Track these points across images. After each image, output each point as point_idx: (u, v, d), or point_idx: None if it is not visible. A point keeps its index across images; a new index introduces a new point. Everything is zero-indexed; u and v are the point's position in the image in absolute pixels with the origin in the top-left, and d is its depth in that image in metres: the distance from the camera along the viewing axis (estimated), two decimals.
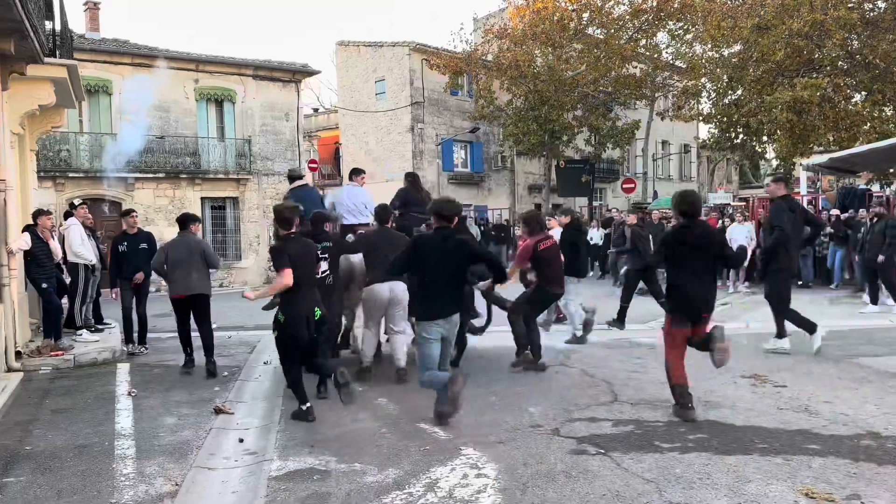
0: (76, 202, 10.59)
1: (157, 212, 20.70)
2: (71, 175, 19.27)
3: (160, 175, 20.83)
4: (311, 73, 24.29)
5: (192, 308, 7.64)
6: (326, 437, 5.31)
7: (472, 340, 9.16)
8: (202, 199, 21.62)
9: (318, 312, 5.73)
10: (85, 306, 9.85)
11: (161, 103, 20.34)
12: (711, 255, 5.54)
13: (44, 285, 8.61)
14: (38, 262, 8.64)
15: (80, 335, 9.39)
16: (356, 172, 9.20)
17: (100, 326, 10.11)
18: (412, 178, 9.34)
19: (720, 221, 16.21)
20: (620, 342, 8.98)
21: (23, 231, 8.77)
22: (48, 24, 9.21)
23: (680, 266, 5.50)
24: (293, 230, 5.87)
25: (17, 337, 8.27)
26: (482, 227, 24.57)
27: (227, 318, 11.24)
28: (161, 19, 62.10)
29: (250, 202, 22.46)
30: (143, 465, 4.84)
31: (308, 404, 5.76)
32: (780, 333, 8.00)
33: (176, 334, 7.99)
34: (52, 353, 8.36)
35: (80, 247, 9.46)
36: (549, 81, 25.91)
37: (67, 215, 9.90)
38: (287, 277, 5.52)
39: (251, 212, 22.43)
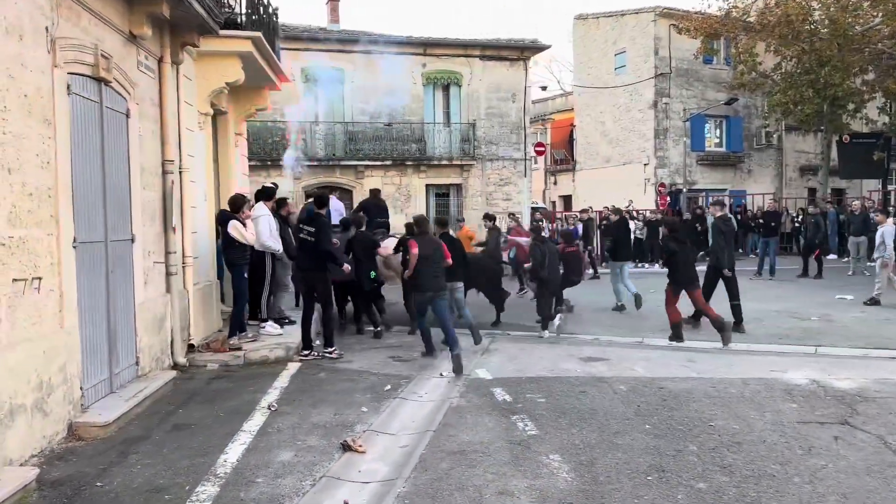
0: (269, 185, 9.93)
1: (385, 199, 20.55)
2: (306, 164, 19.84)
3: (387, 162, 20.70)
4: (540, 49, 22.53)
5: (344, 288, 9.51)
6: None
7: (675, 378, 6.84)
8: (427, 186, 21.12)
9: (373, 274, 9.33)
10: (273, 297, 9.31)
11: (390, 90, 20.09)
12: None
13: (245, 274, 8.18)
14: (240, 244, 8.12)
15: (264, 328, 8.81)
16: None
17: (293, 318, 9.45)
18: (374, 192, 13.64)
19: None
20: None
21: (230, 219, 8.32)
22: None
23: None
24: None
25: (191, 330, 7.79)
26: (738, 216, 21.04)
27: None
28: (392, 6, 64.47)
29: (473, 189, 21.46)
30: None
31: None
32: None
33: None
34: (221, 349, 7.76)
35: (269, 239, 8.83)
36: (830, 38, 21.28)
37: (259, 198, 9.30)
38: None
39: (473, 199, 21.37)
